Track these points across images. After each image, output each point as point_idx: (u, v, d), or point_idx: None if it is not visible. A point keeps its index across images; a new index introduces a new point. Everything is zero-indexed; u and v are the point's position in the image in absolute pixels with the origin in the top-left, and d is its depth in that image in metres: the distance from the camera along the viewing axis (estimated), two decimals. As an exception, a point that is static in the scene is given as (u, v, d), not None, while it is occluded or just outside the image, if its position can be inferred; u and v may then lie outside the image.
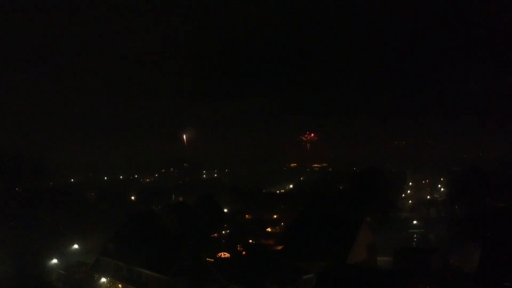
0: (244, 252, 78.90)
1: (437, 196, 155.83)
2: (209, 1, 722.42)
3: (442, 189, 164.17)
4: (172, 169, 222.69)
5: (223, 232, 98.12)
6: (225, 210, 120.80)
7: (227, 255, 76.59)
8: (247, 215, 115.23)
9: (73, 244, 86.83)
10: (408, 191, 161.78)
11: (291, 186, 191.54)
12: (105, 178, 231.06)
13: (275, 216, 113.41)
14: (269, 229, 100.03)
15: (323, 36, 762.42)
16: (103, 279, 66.10)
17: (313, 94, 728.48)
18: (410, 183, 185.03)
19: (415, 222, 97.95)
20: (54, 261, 75.27)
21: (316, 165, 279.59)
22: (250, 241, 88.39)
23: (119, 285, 64.76)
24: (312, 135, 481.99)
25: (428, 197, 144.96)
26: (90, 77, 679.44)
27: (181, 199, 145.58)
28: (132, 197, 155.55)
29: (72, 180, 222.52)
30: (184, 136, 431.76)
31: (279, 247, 76.01)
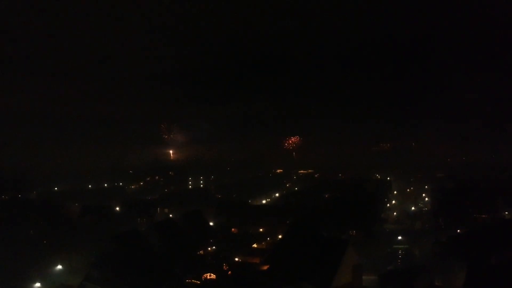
0: (230, 272, 78.80)
1: (421, 205, 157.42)
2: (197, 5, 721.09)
3: (426, 198, 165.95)
4: (157, 177, 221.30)
5: (209, 249, 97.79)
6: (211, 224, 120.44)
7: (213, 276, 76.38)
8: (233, 229, 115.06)
9: (57, 264, 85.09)
10: (393, 201, 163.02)
11: (277, 194, 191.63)
12: (90, 186, 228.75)
13: (261, 230, 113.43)
14: (255, 245, 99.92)
15: (307, 40, 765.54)
16: (88, 306, 65.23)
17: (298, 97, 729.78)
18: (395, 192, 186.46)
19: (399, 237, 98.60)
20: (37, 284, 73.92)
21: (302, 171, 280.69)
22: (236, 259, 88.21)
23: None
24: (297, 138, 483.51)
25: (413, 208, 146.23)
26: (74, 79, 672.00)
27: (166, 210, 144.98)
28: (117, 208, 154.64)
29: (55, 188, 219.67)
30: (170, 142, 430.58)
31: (265, 267, 76.05)
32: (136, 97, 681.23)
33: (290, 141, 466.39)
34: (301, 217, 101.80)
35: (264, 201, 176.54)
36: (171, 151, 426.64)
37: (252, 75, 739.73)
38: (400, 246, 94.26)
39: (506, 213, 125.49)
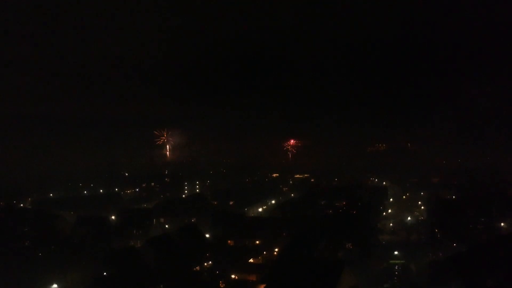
0: (226, 291, 78.75)
1: (417, 214, 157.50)
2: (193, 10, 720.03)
3: (422, 207, 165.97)
4: (153, 184, 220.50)
5: (205, 264, 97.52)
6: (207, 235, 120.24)
7: (209, 296, 76.19)
8: (229, 241, 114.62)
9: (52, 283, 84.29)
10: (389, 210, 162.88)
11: (273, 201, 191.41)
12: (85, 192, 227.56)
13: (257, 242, 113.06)
14: (251, 260, 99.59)
15: (303, 43, 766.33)
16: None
17: (294, 100, 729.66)
18: (391, 199, 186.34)
19: (396, 252, 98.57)
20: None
21: (298, 175, 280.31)
22: (233, 276, 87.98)
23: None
24: (293, 142, 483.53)
25: (409, 218, 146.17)
26: (70, 82, 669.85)
27: (162, 220, 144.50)
28: (113, 217, 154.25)
29: (51, 195, 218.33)
30: (166, 146, 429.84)
31: (262, 286, 75.97)
32: (133, 99, 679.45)
33: (286, 144, 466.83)
34: (297, 233, 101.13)
35: (260, 209, 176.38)
36: (167, 155, 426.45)
37: (248, 79, 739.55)
38: (396, 261, 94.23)
39: (502, 224, 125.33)
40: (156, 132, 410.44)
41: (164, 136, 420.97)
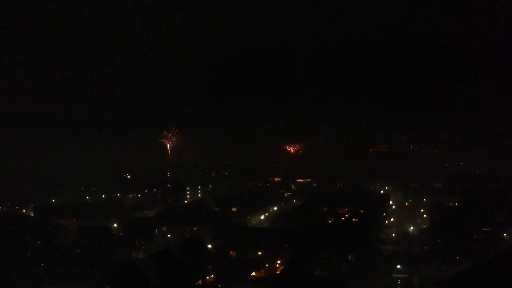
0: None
1: (419, 222, 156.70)
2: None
3: (425, 215, 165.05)
4: (155, 190, 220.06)
5: (208, 277, 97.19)
6: (209, 246, 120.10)
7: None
8: (231, 252, 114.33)
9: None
10: (392, 219, 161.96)
11: (275, 208, 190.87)
12: (87, 197, 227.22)
13: (259, 254, 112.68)
14: (254, 273, 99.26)
15: (303, 42, 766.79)
16: None
17: (295, 103, 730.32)
18: (393, 206, 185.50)
19: (398, 266, 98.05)
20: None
21: (300, 180, 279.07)
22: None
23: None
24: (294, 144, 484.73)
25: (412, 227, 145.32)
26: (70, 83, 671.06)
27: (164, 229, 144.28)
28: (115, 224, 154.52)
29: (53, 200, 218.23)
30: (169, 148, 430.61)
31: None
32: (135, 102, 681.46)
33: (288, 147, 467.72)
34: (299, 247, 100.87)
35: (262, 217, 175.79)
36: (169, 157, 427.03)
37: (250, 82, 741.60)
38: (399, 275, 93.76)
39: (505, 234, 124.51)
40: (158, 135, 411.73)
41: (166, 139, 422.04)
